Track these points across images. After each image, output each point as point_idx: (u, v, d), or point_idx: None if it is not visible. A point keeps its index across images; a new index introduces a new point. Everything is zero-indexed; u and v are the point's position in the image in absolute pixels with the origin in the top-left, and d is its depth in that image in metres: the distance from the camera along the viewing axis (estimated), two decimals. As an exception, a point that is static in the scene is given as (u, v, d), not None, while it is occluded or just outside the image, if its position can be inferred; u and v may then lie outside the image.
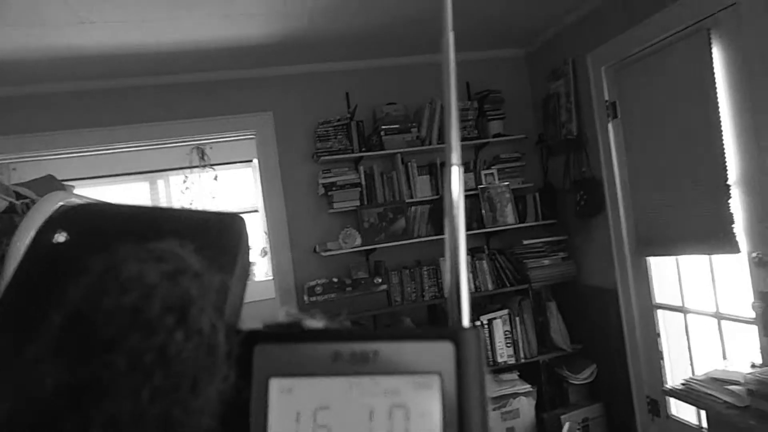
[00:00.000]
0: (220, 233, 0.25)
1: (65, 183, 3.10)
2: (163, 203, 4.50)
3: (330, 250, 3.22)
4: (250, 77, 3.34)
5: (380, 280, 3.16)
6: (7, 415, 0.18)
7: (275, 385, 0.22)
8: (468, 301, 0.25)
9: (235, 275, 0.24)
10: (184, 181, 3.64)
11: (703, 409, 1.82)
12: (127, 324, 0.20)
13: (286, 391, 0.22)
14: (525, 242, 3.32)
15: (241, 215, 0.25)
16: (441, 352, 0.22)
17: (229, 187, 4.26)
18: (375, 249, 3.28)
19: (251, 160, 3.63)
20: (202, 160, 3.61)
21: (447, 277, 0.25)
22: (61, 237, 0.22)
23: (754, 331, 2.21)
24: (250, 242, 0.26)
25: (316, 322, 0.25)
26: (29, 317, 0.21)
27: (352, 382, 0.22)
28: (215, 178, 3.62)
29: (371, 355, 0.22)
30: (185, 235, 0.23)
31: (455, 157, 0.26)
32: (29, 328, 0.20)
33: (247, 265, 0.26)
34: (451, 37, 0.28)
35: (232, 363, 0.22)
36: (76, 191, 3.37)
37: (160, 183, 4.50)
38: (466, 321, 0.24)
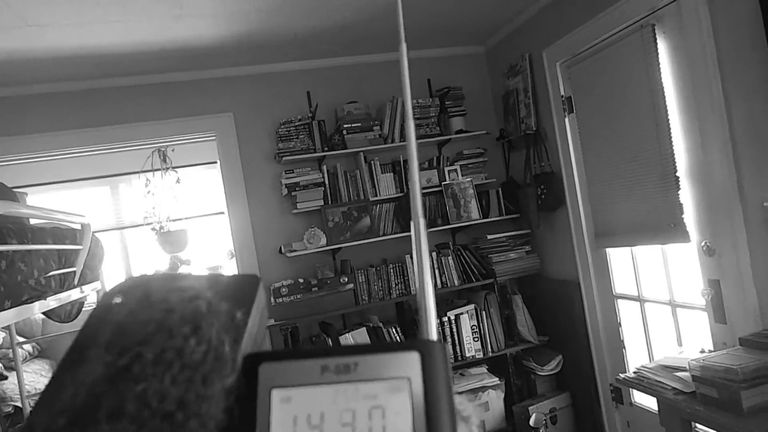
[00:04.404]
0: (236, 286, 0.31)
1: (19, 190, 3.03)
2: (125, 207, 4.43)
3: (295, 250, 3.20)
4: (209, 78, 3.30)
5: (346, 280, 3.16)
6: (70, 397, 0.25)
7: (276, 395, 0.26)
8: (435, 318, 0.30)
9: (251, 317, 0.29)
10: (146, 185, 3.58)
11: (653, 396, 1.87)
12: (154, 329, 0.26)
13: (285, 400, 0.26)
14: (489, 237, 3.35)
15: (257, 276, 0.32)
16: (409, 360, 0.27)
17: (193, 189, 4.20)
18: (340, 248, 3.28)
19: (216, 162, 3.59)
20: (164, 163, 3.55)
21: (419, 301, 0.30)
22: (118, 299, 0.29)
23: (705, 317, 2.27)
24: (265, 300, 0.33)
25: None
26: (91, 339, 0.27)
27: (337, 390, 0.26)
28: (177, 181, 3.56)
29: (352, 366, 0.27)
30: (211, 287, 0.30)
31: (419, 210, 0.32)
32: (91, 343, 0.27)
33: (263, 312, 0.32)
34: (409, 113, 0.34)
35: (237, 368, 0.27)
36: (30, 198, 3.29)
37: (122, 187, 4.42)
38: (432, 335, 0.29)
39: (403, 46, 0.34)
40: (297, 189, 3.23)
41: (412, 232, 0.32)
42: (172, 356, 0.26)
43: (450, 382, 0.27)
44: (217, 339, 0.27)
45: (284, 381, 0.27)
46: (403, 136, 3.36)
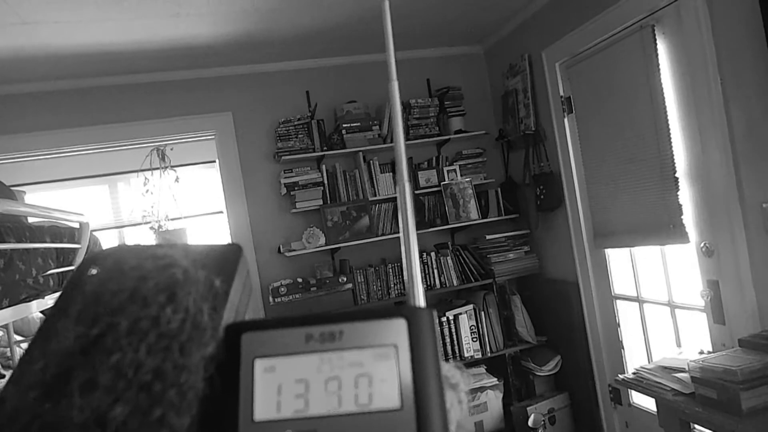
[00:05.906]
0: (215, 256, 0.30)
1: (17, 188, 3.02)
2: (124, 206, 4.42)
3: (294, 250, 3.20)
4: (208, 77, 3.29)
5: (345, 279, 3.15)
6: (41, 370, 0.24)
7: (259, 364, 0.26)
8: (421, 287, 0.30)
9: (233, 287, 0.29)
10: (145, 184, 3.57)
11: (652, 397, 1.86)
12: (128, 297, 0.26)
13: (269, 369, 0.26)
14: (488, 237, 3.35)
15: (239, 245, 0.32)
16: (396, 327, 0.26)
17: (192, 188, 4.20)
18: (339, 248, 3.27)
19: (215, 161, 3.59)
20: (163, 161, 3.54)
21: (405, 270, 0.31)
22: (93, 270, 0.28)
23: (704, 318, 2.27)
24: (248, 266, 0.32)
25: None
26: (64, 309, 0.26)
27: (322, 358, 0.26)
28: (176, 180, 3.55)
29: (337, 335, 0.26)
30: (188, 256, 0.29)
31: (405, 174, 0.33)
32: (63, 313, 0.26)
33: (246, 283, 0.31)
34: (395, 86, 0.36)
35: (218, 337, 0.26)
36: (28, 197, 3.28)
37: (121, 186, 4.41)
38: (420, 303, 0.29)
39: (394, 84, 0.36)
40: (296, 188, 3.22)
41: (398, 196, 0.32)
42: (147, 325, 0.25)
43: (437, 349, 0.26)
44: (195, 307, 0.26)
45: (268, 350, 0.26)
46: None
